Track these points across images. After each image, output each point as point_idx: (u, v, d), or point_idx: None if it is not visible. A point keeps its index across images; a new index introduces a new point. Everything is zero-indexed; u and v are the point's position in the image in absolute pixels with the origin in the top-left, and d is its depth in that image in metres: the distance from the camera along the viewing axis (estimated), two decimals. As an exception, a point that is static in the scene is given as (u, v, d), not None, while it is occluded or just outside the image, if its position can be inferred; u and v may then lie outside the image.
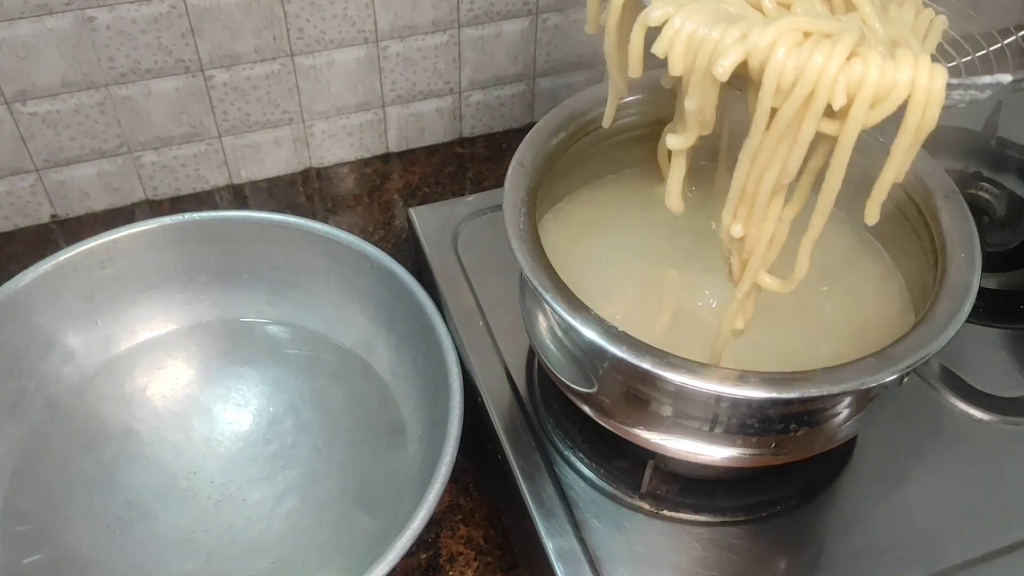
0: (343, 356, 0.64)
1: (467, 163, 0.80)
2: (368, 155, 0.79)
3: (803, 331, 0.52)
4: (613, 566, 0.50)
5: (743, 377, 0.44)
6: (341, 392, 0.62)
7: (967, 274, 0.48)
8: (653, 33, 0.40)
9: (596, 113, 0.56)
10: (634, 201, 0.59)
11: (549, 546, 0.50)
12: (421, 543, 0.55)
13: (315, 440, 0.60)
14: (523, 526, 0.53)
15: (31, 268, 0.60)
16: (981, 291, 0.47)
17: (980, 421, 0.57)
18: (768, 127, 0.39)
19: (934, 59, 0.42)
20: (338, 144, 0.78)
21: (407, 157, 0.80)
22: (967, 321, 0.45)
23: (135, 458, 0.59)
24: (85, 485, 0.57)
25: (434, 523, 0.57)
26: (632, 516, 0.52)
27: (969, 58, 0.46)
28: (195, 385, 0.63)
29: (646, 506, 0.53)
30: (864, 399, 0.48)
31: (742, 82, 0.39)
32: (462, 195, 0.76)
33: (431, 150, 0.80)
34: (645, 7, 0.41)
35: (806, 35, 0.38)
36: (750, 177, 0.41)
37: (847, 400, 0.47)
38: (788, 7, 0.42)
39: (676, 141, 0.43)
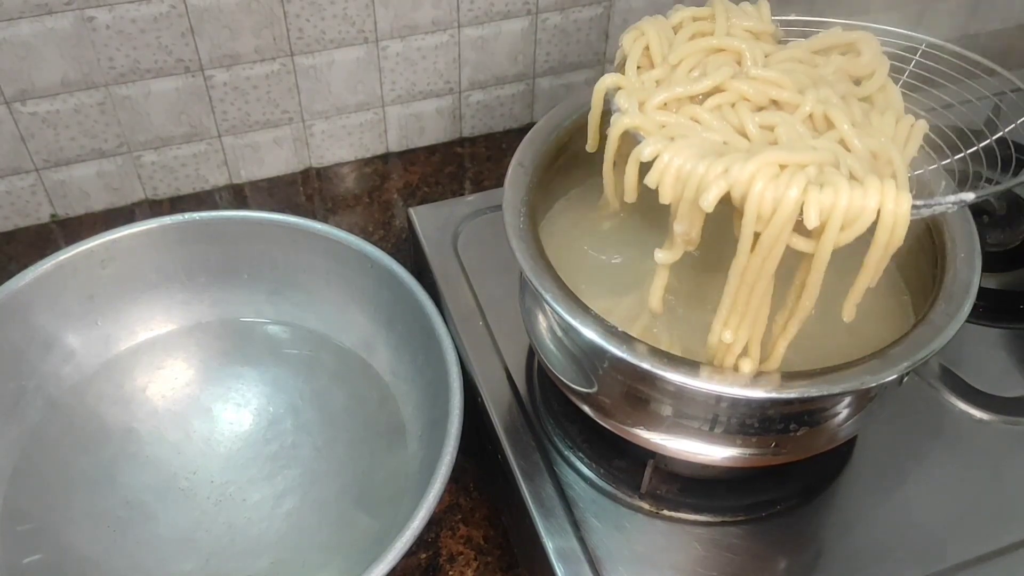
0: (343, 356, 0.64)
1: (467, 163, 0.80)
2: (368, 155, 0.79)
3: (802, 331, 0.52)
4: (613, 566, 0.50)
5: (743, 377, 0.44)
6: (341, 392, 0.62)
7: (967, 274, 0.48)
8: (647, 164, 0.44)
9: (596, 113, 0.56)
10: (635, 201, 0.59)
11: (549, 546, 0.50)
12: (421, 543, 0.55)
13: (315, 440, 0.60)
14: (523, 526, 0.53)
15: (31, 268, 0.60)
16: (981, 291, 0.47)
17: (980, 421, 0.57)
18: (753, 249, 0.42)
19: (915, 160, 0.46)
20: (338, 144, 0.78)
21: (407, 157, 0.80)
22: (967, 321, 0.45)
23: (135, 458, 0.59)
24: (85, 485, 0.57)
25: (434, 523, 0.57)
26: (632, 516, 0.52)
27: (947, 161, 0.49)
28: (195, 385, 0.63)
29: (646, 506, 0.53)
30: (864, 399, 0.48)
31: (729, 208, 0.42)
32: (462, 195, 0.76)
33: (431, 150, 0.80)
34: (639, 141, 0.44)
35: (782, 167, 0.41)
36: (739, 292, 0.44)
37: (847, 400, 0.47)
38: (771, 129, 0.45)
39: (663, 256, 0.46)
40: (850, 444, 0.55)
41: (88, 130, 0.69)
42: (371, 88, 0.75)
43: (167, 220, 0.63)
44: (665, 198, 0.43)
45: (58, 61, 0.64)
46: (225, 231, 0.64)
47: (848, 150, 0.44)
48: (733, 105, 0.46)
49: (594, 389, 0.49)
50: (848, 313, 0.46)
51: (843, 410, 0.48)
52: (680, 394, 0.46)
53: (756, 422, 0.46)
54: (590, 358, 0.49)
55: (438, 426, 0.54)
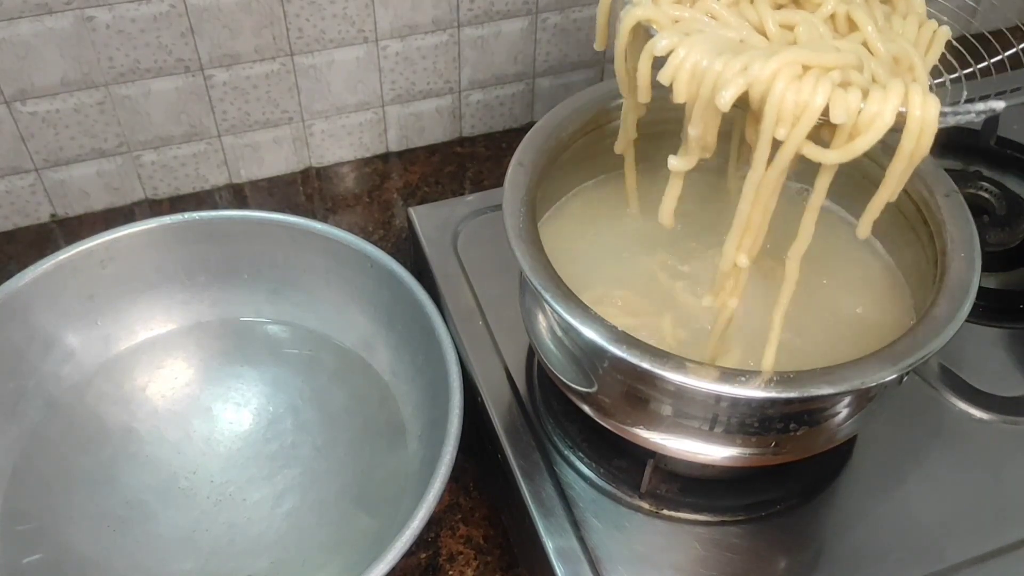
0: (343, 356, 0.64)
1: (467, 163, 0.80)
2: (368, 154, 0.79)
3: (803, 331, 0.52)
4: (613, 565, 0.50)
5: (743, 377, 0.44)
6: (341, 392, 0.62)
7: (967, 273, 0.48)
8: (661, 59, 0.41)
9: (596, 112, 0.56)
10: (635, 200, 0.59)
11: (549, 545, 0.50)
12: (421, 542, 0.55)
13: (315, 440, 0.60)
14: (523, 525, 0.53)
15: (31, 267, 0.60)
16: (981, 290, 0.47)
17: (980, 420, 0.57)
18: (770, 161, 0.40)
19: (936, 70, 0.44)
20: (338, 143, 0.78)
21: (407, 156, 0.80)
22: (967, 320, 0.45)
23: (135, 457, 0.59)
24: (85, 485, 0.57)
25: (434, 522, 0.57)
26: (632, 515, 0.52)
27: (970, 69, 0.46)
28: (195, 385, 0.63)
29: (646, 505, 0.53)
30: (864, 399, 0.48)
31: (745, 109, 0.40)
32: (462, 195, 0.76)
33: (431, 149, 0.80)
34: (652, 35, 0.42)
35: (805, 68, 0.39)
36: (754, 208, 0.42)
37: (847, 400, 0.47)
38: (791, 28, 0.43)
39: (677, 163, 0.44)
40: (850, 444, 0.55)
41: (88, 130, 0.69)
42: (371, 88, 0.75)
43: (167, 220, 0.63)
44: (679, 96, 0.41)
45: (58, 61, 0.64)
46: (225, 231, 0.64)
47: (871, 53, 0.42)
48: (752, 1, 0.43)
49: (594, 389, 0.49)
50: (863, 230, 0.44)
51: (843, 410, 0.48)
52: (680, 394, 0.46)
53: (756, 422, 0.46)
54: (590, 358, 0.49)
55: (438, 426, 0.54)
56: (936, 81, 0.46)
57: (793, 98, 0.38)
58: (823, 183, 0.42)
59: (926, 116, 0.38)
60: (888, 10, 0.46)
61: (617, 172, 0.60)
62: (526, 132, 0.54)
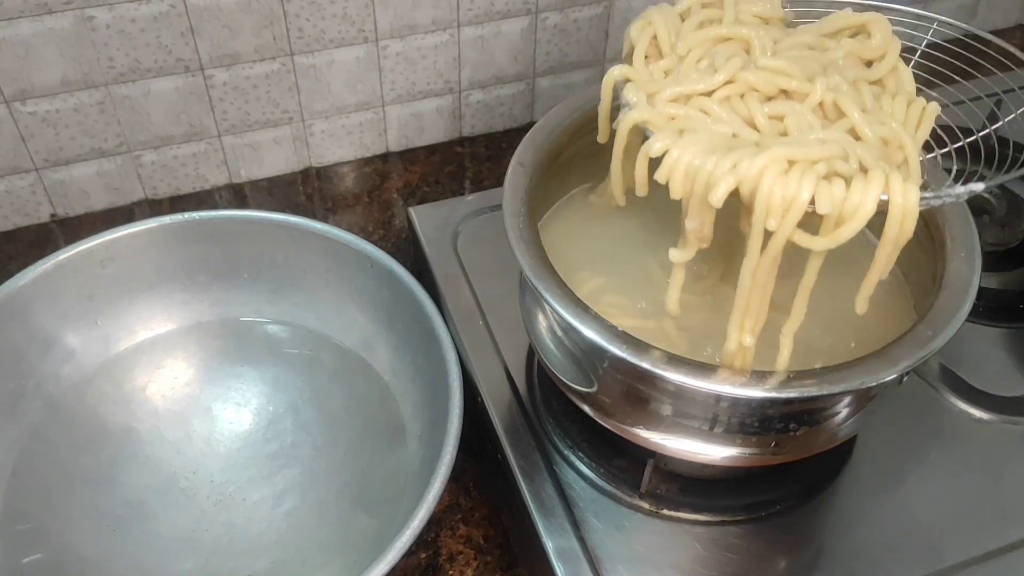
0: (343, 356, 0.64)
1: (467, 162, 0.80)
2: (368, 154, 0.79)
3: (803, 331, 0.52)
4: (613, 565, 0.50)
5: (743, 377, 0.44)
6: (341, 392, 0.62)
7: (967, 273, 0.48)
8: (656, 159, 0.44)
9: (596, 112, 0.56)
10: (635, 200, 0.59)
11: (549, 545, 0.50)
12: (421, 542, 0.55)
13: (315, 440, 0.60)
14: (523, 525, 0.53)
15: (31, 267, 0.60)
16: (981, 290, 0.47)
17: (980, 420, 0.57)
18: (763, 250, 0.42)
19: (926, 146, 0.47)
20: (338, 143, 0.78)
21: (407, 156, 0.80)
22: (967, 320, 0.45)
23: (135, 457, 0.59)
24: (85, 485, 0.57)
25: (434, 522, 0.57)
26: (632, 515, 0.52)
27: (960, 144, 0.49)
28: (195, 384, 0.63)
29: (646, 505, 0.53)
30: (864, 398, 0.48)
31: (739, 202, 0.43)
32: (462, 194, 0.76)
33: (431, 149, 0.80)
34: (648, 137, 0.44)
35: (791, 163, 0.41)
36: (752, 292, 0.44)
37: (847, 399, 0.47)
38: (781, 119, 0.45)
39: (677, 255, 0.46)
40: (850, 444, 0.55)
41: (88, 129, 0.69)
42: (371, 88, 0.75)
43: (167, 220, 0.63)
44: (675, 194, 0.43)
45: (58, 60, 0.64)
46: (225, 231, 0.64)
47: (859, 138, 0.44)
48: (742, 96, 0.46)
49: (594, 389, 0.49)
50: (860, 306, 0.46)
51: (843, 409, 0.48)
52: (680, 393, 0.46)
53: (756, 422, 0.46)
54: (590, 357, 0.49)
55: (438, 426, 0.54)
56: (929, 156, 0.48)
57: (780, 193, 0.41)
58: (814, 266, 0.44)
59: (907, 203, 0.41)
60: (878, 90, 0.47)
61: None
62: (526, 132, 0.54)
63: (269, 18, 0.68)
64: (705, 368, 0.44)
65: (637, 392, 0.47)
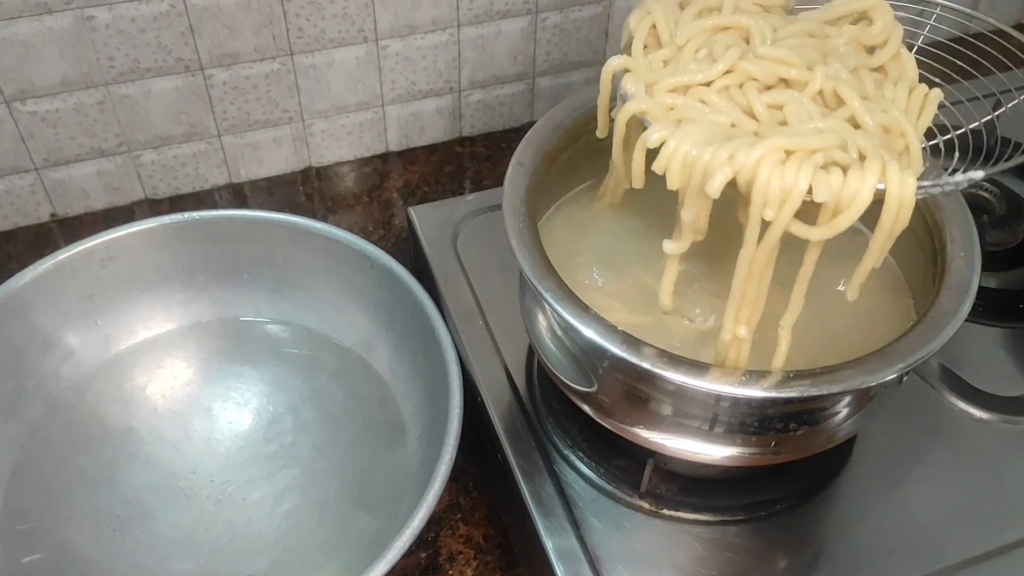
0: (343, 356, 0.64)
1: (467, 162, 0.80)
2: (368, 154, 0.79)
3: (803, 330, 0.52)
4: (613, 565, 0.50)
5: (743, 376, 0.44)
6: (341, 392, 0.62)
7: (967, 273, 0.48)
8: (654, 149, 0.43)
9: (595, 111, 0.56)
10: (635, 199, 0.59)
11: (549, 545, 0.50)
12: (421, 542, 0.55)
13: (315, 439, 0.60)
14: (523, 525, 0.53)
15: (31, 267, 0.60)
16: (981, 290, 0.47)
17: (979, 420, 0.57)
18: (760, 240, 0.42)
19: (930, 135, 0.46)
20: (338, 143, 0.78)
21: (407, 156, 0.80)
22: (966, 320, 0.45)
23: (135, 457, 0.59)
24: (85, 484, 0.57)
25: (434, 522, 0.57)
26: (632, 515, 0.52)
27: (962, 130, 0.48)
28: (195, 384, 0.63)
29: (646, 505, 0.53)
30: (863, 398, 0.48)
31: (735, 193, 0.42)
32: (462, 194, 0.76)
33: (431, 149, 0.80)
34: (646, 127, 0.44)
35: (789, 153, 0.41)
36: (748, 284, 0.44)
37: (847, 399, 0.47)
38: (780, 108, 0.44)
39: (671, 247, 0.46)
40: (850, 443, 0.55)
41: (88, 129, 0.69)
42: (371, 87, 0.75)
43: (167, 219, 0.63)
44: (672, 184, 0.43)
45: (58, 60, 0.64)
46: (225, 231, 0.64)
47: (859, 126, 0.44)
48: (741, 85, 0.45)
49: (594, 388, 0.49)
50: (852, 293, 0.46)
51: (843, 409, 0.48)
52: (680, 393, 0.46)
53: (756, 421, 0.46)
54: (590, 357, 0.49)
55: (438, 425, 0.54)
56: (931, 143, 0.47)
57: (778, 183, 0.40)
58: (812, 257, 0.44)
59: (903, 192, 0.40)
60: (880, 77, 0.47)
61: (617, 172, 0.61)
62: (526, 132, 0.54)
63: (269, 18, 0.68)
64: (705, 368, 0.44)
65: (637, 392, 0.47)
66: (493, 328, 0.61)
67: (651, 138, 0.43)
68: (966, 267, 0.48)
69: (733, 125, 0.44)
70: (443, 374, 0.55)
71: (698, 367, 0.44)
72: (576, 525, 0.51)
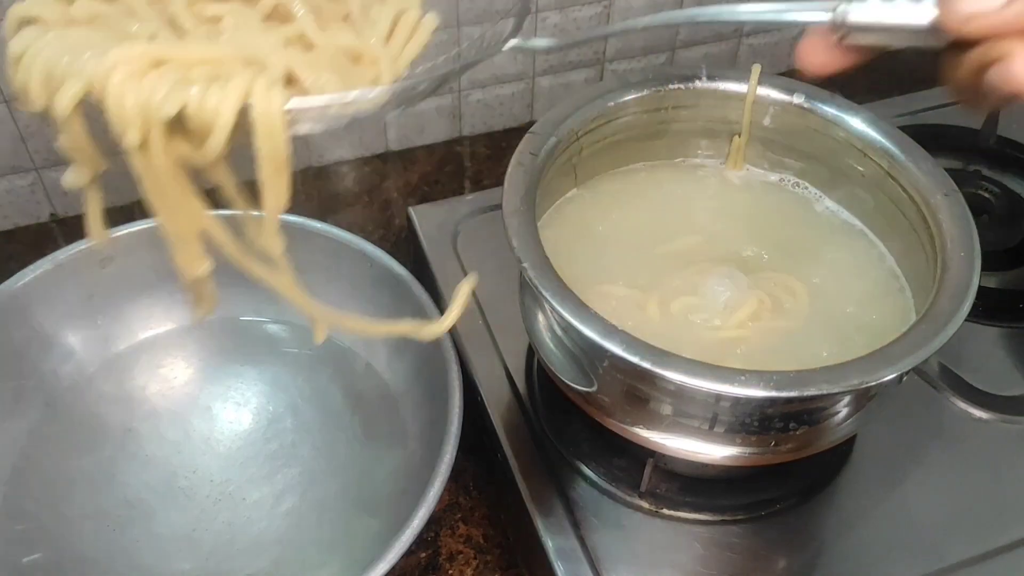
0: (343, 356, 0.64)
1: (467, 162, 0.80)
2: (368, 153, 0.79)
3: (802, 329, 0.52)
4: (612, 565, 0.50)
5: (742, 376, 0.44)
6: (341, 391, 0.62)
7: (967, 273, 0.48)
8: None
9: (596, 112, 0.56)
10: (634, 199, 0.59)
11: (549, 545, 0.50)
12: (421, 542, 0.55)
13: (315, 439, 0.60)
14: (522, 525, 0.53)
15: (30, 267, 0.60)
16: (981, 290, 0.47)
17: (979, 420, 0.57)
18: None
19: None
20: (337, 142, 0.77)
21: (407, 155, 0.80)
22: (966, 320, 0.45)
23: (134, 457, 0.59)
24: (84, 484, 0.57)
25: (434, 522, 0.57)
26: (631, 515, 0.52)
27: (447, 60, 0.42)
28: (194, 384, 0.63)
29: (646, 505, 0.53)
30: (863, 398, 0.48)
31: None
32: (462, 194, 0.76)
33: (431, 148, 0.80)
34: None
35: (159, 63, 0.35)
36: (172, 219, 0.38)
37: (846, 399, 0.47)
38: (218, 21, 0.38)
39: (72, 179, 0.39)
40: (850, 443, 0.55)
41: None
42: (371, 87, 0.75)
43: (167, 219, 0.63)
44: (34, 104, 0.36)
45: (57, 60, 0.64)
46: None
47: (313, 47, 0.38)
48: None
49: (594, 388, 0.49)
50: (269, 244, 0.41)
51: (843, 409, 0.48)
52: (680, 393, 0.46)
53: (756, 421, 0.46)
54: (590, 357, 0.49)
55: (438, 425, 0.54)
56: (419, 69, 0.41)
57: (133, 97, 0.34)
58: (220, 178, 0.37)
59: (269, 109, 0.34)
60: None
61: (618, 171, 0.61)
62: (526, 131, 0.54)
63: (269, 17, 0.68)
64: (705, 367, 0.44)
65: (637, 391, 0.47)
66: (493, 328, 0.61)
67: (13, 49, 0.35)
68: (966, 267, 0.48)
69: (150, 38, 0.37)
70: (443, 374, 0.55)
71: (698, 367, 0.44)
72: (576, 525, 0.51)
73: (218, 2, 0.38)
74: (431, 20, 0.41)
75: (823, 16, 0.36)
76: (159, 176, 0.37)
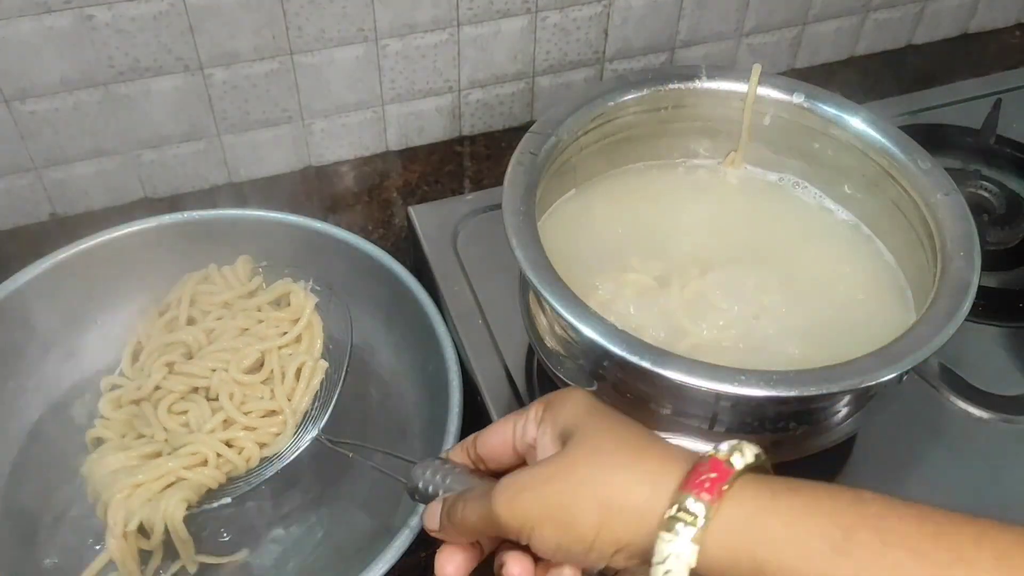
0: (343, 355, 0.64)
1: (467, 161, 0.80)
2: (367, 153, 0.79)
3: (803, 330, 0.52)
4: (613, 565, 0.50)
5: (743, 376, 0.44)
6: (341, 391, 0.62)
7: (967, 272, 0.48)
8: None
9: (596, 112, 0.56)
10: (634, 199, 0.59)
11: (549, 545, 0.50)
12: (421, 541, 0.55)
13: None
14: (523, 525, 0.53)
15: (30, 266, 0.60)
16: (980, 289, 0.47)
17: (979, 419, 0.57)
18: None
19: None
20: (337, 142, 0.78)
21: (407, 155, 0.80)
22: (966, 319, 0.45)
23: (135, 457, 0.59)
24: (84, 484, 0.57)
25: (434, 522, 0.56)
26: (632, 515, 0.52)
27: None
28: (195, 384, 0.63)
29: (646, 505, 0.52)
30: (863, 397, 0.48)
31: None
32: (462, 193, 0.76)
33: (431, 148, 0.80)
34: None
35: (137, 485, 0.52)
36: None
37: (846, 399, 0.47)
38: (185, 414, 0.56)
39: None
40: (850, 443, 0.55)
41: (87, 129, 0.69)
42: (371, 87, 0.75)
43: (166, 219, 0.63)
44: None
45: (57, 60, 0.64)
46: (225, 230, 0.64)
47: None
48: (162, 400, 0.56)
49: (594, 388, 0.49)
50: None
51: (843, 408, 0.48)
52: (679, 392, 0.46)
53: (755, 420, 0.46)
54: (589, 357, 0.49)
55: (438, 425, 0.54)
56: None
57: (122, 516, 0.51)
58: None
59: (174, 515, 0.51)
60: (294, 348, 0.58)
61: (617, 171, 0.61)
62: (526, 131, 0.54)
63: (269, 17, 0.68)
64: (705, 367, 0.44)
65: (637, 391, 0.47)
66: (493, 327, 0.61)
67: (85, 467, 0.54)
68: (966, 267, 0.48)
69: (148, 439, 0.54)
70: (443, 374, 0.55)
71: (698, 367, 0.44)
72: (576, 525, 0.51)
73: (185, 401, 0.56)
74: (322, 366, 0.57)
75: None
76: (123, 554, 0.52)
